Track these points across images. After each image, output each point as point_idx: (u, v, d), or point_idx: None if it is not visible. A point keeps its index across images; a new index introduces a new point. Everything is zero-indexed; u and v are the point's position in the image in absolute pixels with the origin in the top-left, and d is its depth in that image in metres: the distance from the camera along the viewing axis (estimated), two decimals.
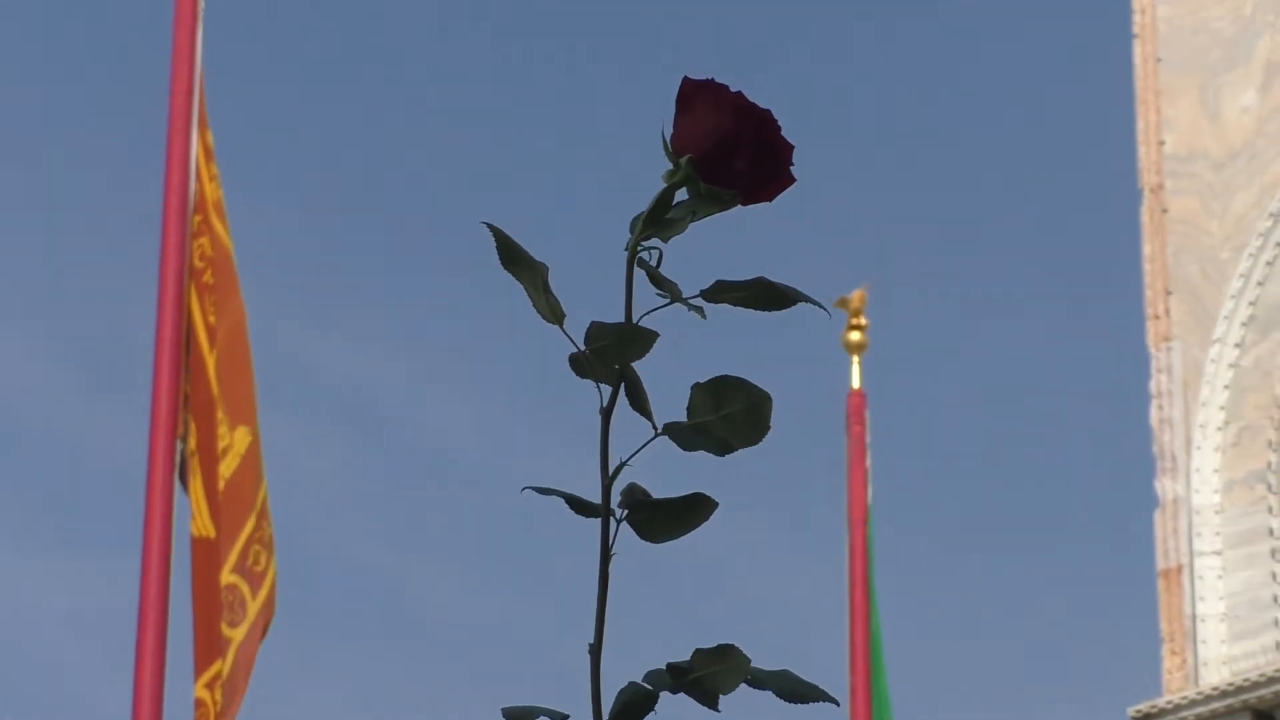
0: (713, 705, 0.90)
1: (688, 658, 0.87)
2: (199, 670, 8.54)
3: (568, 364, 0.87)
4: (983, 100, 31.35)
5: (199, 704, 8.58)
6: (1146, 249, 15.88)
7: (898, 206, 30.94)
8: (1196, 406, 15.49)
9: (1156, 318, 16.00)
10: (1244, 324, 15.39)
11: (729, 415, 0.87)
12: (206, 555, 8.73)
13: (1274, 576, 14.66)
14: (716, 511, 0.88)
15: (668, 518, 0.89)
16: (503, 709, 0.86)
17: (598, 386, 0.88)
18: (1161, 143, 15.69)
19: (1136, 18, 16.02)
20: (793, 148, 0.90)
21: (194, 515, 8.72)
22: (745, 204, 0.90)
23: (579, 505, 0.88)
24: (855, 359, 12.63)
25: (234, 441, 8.96)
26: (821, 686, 0.87)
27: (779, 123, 0.87)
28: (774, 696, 0.88)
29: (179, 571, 8.48)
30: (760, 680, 0.89)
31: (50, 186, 32.26)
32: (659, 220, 0.87)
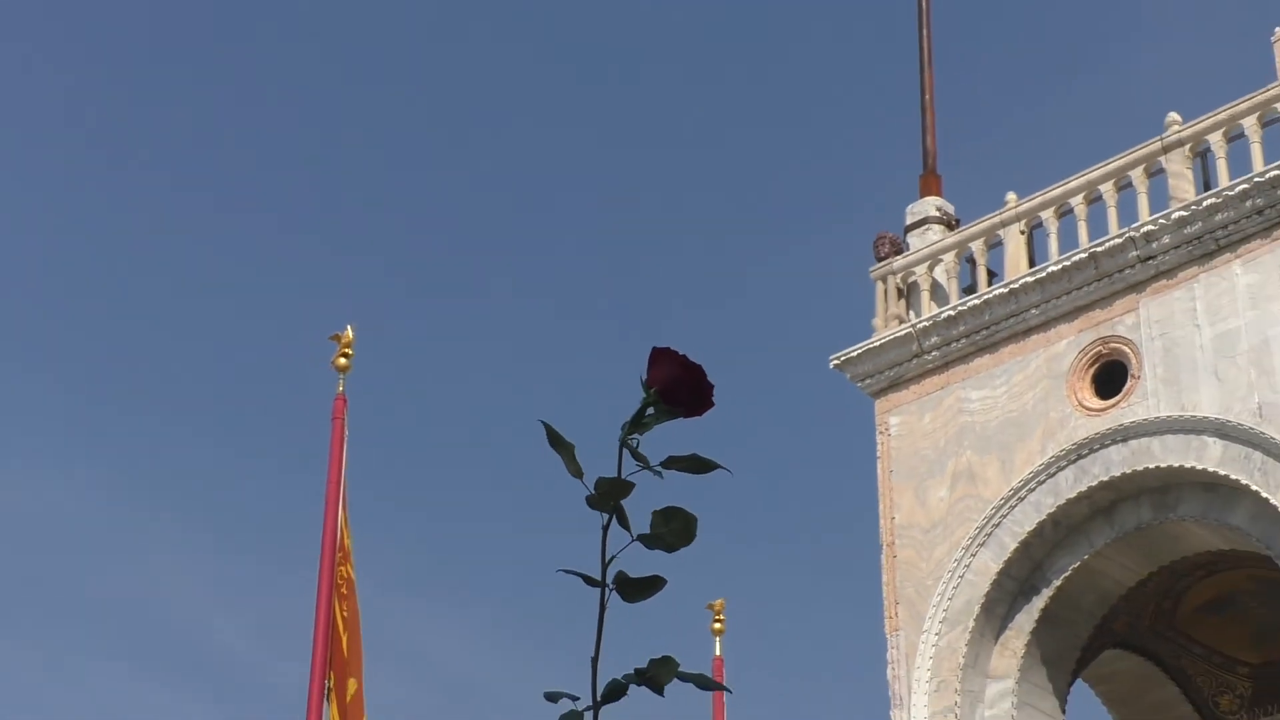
0: (659, 693, 1.41)
1: (645, 664, 1.37)
2: None
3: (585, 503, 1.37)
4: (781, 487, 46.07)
5: None
6: (885, 578, 21.09)
7: (749, 567, 45.17)
8: (914, 669, 20.46)
9: (891, 617, 21.09)
10: (941, 621, 20.51)
11: (673, 528, 1.37)
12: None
13: None
14: None
15: (636, 588, 1.38)
16: (544, 693, 1.36)
17: (601, 514, 1.37)
18: (894, 518, 21.32)
19: (879, 449, 21.60)
20: (713, 387, 1.37)
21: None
22: (687, 417, 1.36)
23: (588, 580, 1.37)
24: (717, 640, 18.41)
25: (350, 687, 12.58)
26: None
27: (705, 371, 1.35)
28: (694, 688, 1.42)
29: None
30: (685, 676, 1.41)
31: (246, 529, 46.65)
32: (638, 423, 1.34)
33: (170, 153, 46.35)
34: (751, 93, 49.84)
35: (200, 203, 44.70)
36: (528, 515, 44.89)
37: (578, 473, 1.41)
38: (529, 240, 49.05)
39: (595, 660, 1.42)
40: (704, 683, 1.45)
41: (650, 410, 1.42)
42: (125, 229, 44.64)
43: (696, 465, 1.43)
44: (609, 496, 1.42)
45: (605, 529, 1.42)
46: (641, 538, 1.43)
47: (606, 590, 1.43)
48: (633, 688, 1.46)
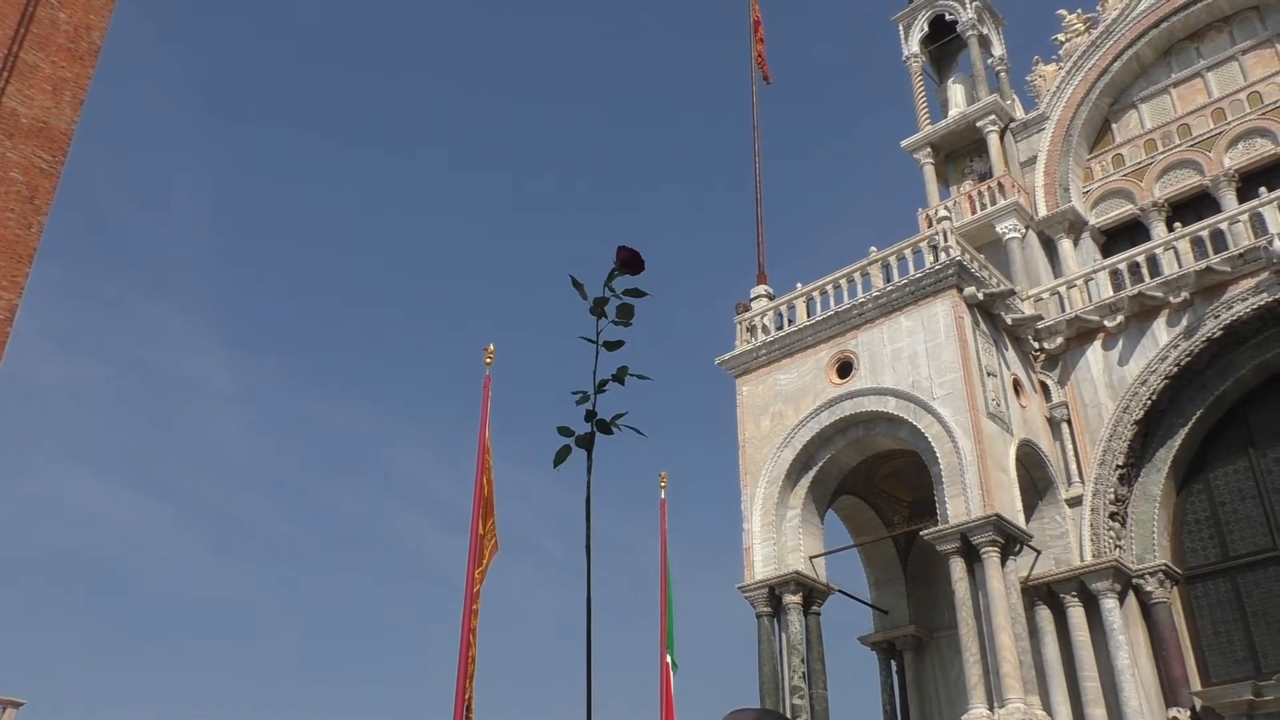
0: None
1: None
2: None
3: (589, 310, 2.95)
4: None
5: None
6: (741, 461, 28.19)
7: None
8: (754, 504, 27.60)
9: (744, 478, 27.74)
10: (767, 482, 27.24)
11: (625, 312, 3.05)
12: (479, 543, 17.09)
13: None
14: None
15: (624, 312, 3.01)
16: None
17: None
18: (745, 433, 28.53)
19: (738, 401, 28.95)
20: (644, 262, 3.02)
21: (481, 532, 17.16)
22: (634, 274, 3.02)
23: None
24: (663, 491, 34.02)
25: (488, 521, 17.25)
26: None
27: (641, 254, 2.99)
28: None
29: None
30: (632, 376, 3.06)
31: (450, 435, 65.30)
32: (611, 275, 3.01)
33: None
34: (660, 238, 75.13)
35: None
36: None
37: (585, 298, 2.51)
38: None
39: (595, 372, 2.45)
40: (639, 376, 2.23)
41: (616, 270, 2.46)
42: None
43: (627, 313, 2.38)
44: (598, 310, 2.51)
45: (597, 319, 2.56)
46: (614, 322, 2.63)
47: (599, 346, 2.46)
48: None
